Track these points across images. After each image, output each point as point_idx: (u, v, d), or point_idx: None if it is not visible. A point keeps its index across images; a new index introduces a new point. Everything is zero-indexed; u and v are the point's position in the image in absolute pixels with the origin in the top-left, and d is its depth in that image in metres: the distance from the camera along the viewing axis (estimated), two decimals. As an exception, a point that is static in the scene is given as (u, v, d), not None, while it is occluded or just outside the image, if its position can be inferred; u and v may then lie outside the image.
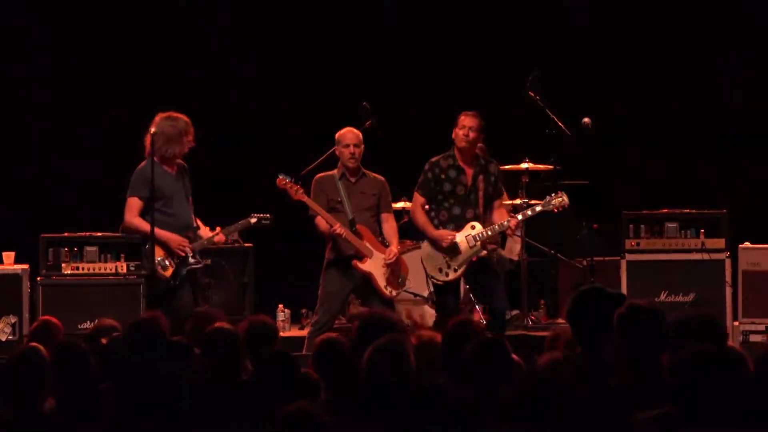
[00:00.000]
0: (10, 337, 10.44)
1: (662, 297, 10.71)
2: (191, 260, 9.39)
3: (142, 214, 9.38)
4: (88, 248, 10.80)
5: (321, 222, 9.69)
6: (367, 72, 12.46)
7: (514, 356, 5.99)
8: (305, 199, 9.69)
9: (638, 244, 10.94)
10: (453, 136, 9.57)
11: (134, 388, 5.27)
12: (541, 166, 11.41)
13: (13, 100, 12.51)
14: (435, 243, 9.61)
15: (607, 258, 11.30)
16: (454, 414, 4.93)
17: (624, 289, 10.72)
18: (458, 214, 9.53)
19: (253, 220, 9.69)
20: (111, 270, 10.77)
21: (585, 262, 11.42)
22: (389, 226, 9.92)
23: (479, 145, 11.26)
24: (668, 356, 5.16)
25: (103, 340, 7.24)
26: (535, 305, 11.70)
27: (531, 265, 11.60)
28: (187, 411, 5.11)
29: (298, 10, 12.91)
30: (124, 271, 10.76)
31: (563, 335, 6.56)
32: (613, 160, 12.19)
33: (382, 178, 9.94)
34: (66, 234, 10.87)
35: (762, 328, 10.51)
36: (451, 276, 9.57)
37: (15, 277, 10.64)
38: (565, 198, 9.59)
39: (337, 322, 10.35)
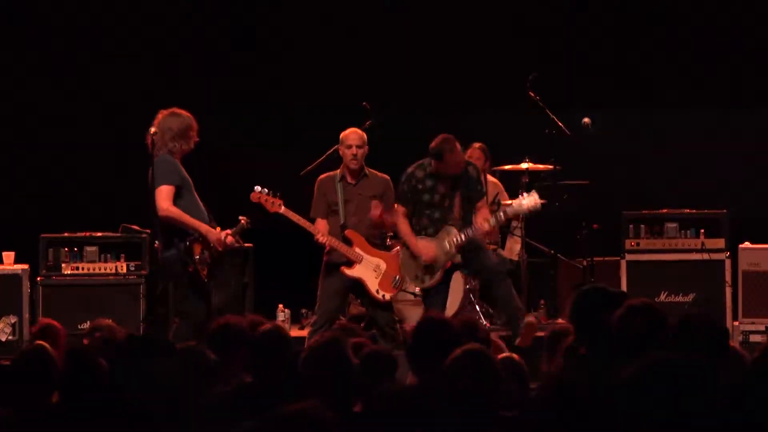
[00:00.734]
0: (10, 337, 10.45)
1: (662, 297, 10.71)
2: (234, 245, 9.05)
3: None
4: (88, 248, 10.82)
5: (318, 236, 9.64)
6: (367, 72, 12.46)
7: (515, 356, 5.99)
8: (282, 211, 9.51)
9: (638, 244, 10.95)
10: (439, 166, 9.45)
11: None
12: (541, 166, 11.41)
13: (13, 100, 12.51)
14: (409, 252, 9.54)
15: (607, 258, 11.31)
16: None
17: (624, 289, 10.72)
18: (438, 218, 9.47)
19: (243, 221, 9.38)
20: (111, 270, 10.79)
21: (585, 262, 11.43)
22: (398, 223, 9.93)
23: (478, 144, 11.30)
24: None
25: (85, 341, 7.27)
26: (535, 305, 11.70)
27: (531, 265, 11.60)
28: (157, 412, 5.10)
29: (298, 10, 12.92)
30: (124, 271, 10.77)
31: (563, 334, 6.56)
32: (613, 160, 12.18)
33: (386, 176, 9.88)
34: (66, 234, 10.89)
35: (762, 328, 10.52)
36: (428, 282, 9.48)
37: (15, 277, 10.66)
38: (536, 196, 9.48)
39: (336, 322, 10.34)
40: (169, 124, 8.88)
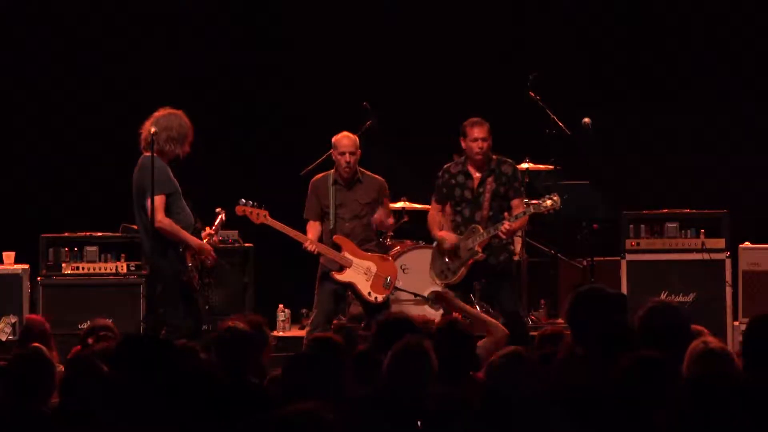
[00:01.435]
0: (10, 337, 10.44)
1: (662, 297, 10.69)
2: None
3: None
4: (88, 248, 10.81)
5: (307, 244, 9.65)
6: (367, 72, 12.45)
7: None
8: (269, 222, 9.54)
9: (638, 244, 10.95)
10: (464, 147, 9.48)
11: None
12: (541, 166, 11.41)
13: (13, 99, 12.50)
14: (439, 245, 9.60)
15: (607, 258, 11.30)
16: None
17: (624, 289, 10.73)
18: (468, 217, 9.51)
19: (222, 214, 9.30)
20: (111, 270, 10.79)
21: (585, 262, 11.42)
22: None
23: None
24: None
25: (89, 340, 7.27)
26: (535, 305, 11.70)
27: (531, 265, 11.60)
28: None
29: (299, 9, 12.92)
30: (124, 271, 10.77)
31: (555, 334, 6.58)
32: (613, 160, 12.17)
33: (380, 179, 9.87)
34: (66, 234, 10.89)
35: (762, 328, 10.50)
36: (452, 279, 9.53)
37: (15, 277, 10.65)
38: (556, 197, 9.51)
39: (335, 322, 10.34)
40: (170, 124, 8.75)
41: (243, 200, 9.57)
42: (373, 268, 9.76)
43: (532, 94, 11.06)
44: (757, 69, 12.43)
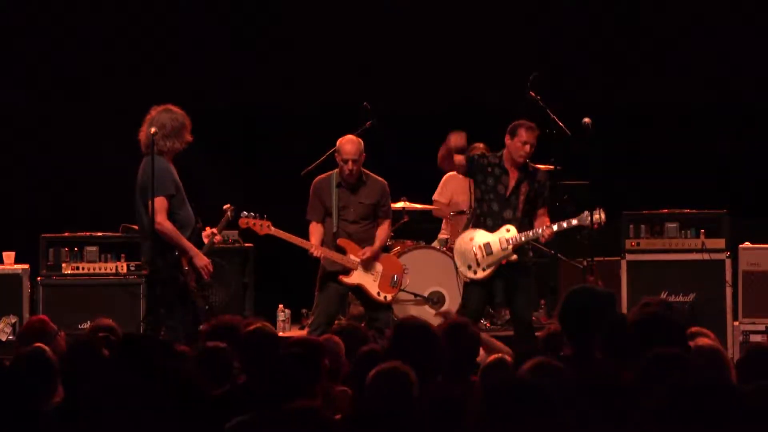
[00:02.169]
0: (11, 337, 10.45)
1: (662, 297, 10.69)
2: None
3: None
4: (88, 248, 10.82)
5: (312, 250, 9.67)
6: (368, 72, 12.45)
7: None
8: (273, 232, 9.61)
9: (638, 244, 10.95)
10: (507, 143, 9.43)
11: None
12: (542, 166, 11.39)
13: (13, 99, 12.50)
14: (467, 241, 9.49)
15: (607, 258, 11.29)
16: None
17: (624, 289, 10.74)
18: (497, 211, 9.44)
19: (229, 211, 9.31)
20: (111, 270, 10.79)
21: (585, 262, 11.41)
22: (381, 230, 9.90)
23: (480, 144, 11.29)
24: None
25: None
26: (535, 305, 11.68)
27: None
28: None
29: (298, 9, 12.92)
30: (124, 271, 10.77)
31: (559, 335, 6.56)
32: (613, 160, 12.17)
33: (383, 181, 9.90)
34: (66, 234, 10.89)
35: (762, 328, 10.51)
36: (479, 275, 9.45)
37: (15, 277, 10.66)
38: (603, 215, 9.52)
39: (336, 322, 10.34)
40: (162, 121, 8.70)
41: (245, 213, 9.60)
42: (380, 268, 9.83)
43: (532, 94, 11.05)
44: (758, 68, 12.43)
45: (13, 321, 10.52)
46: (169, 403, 4.80)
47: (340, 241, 9.69)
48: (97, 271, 10.78)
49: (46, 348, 5.83)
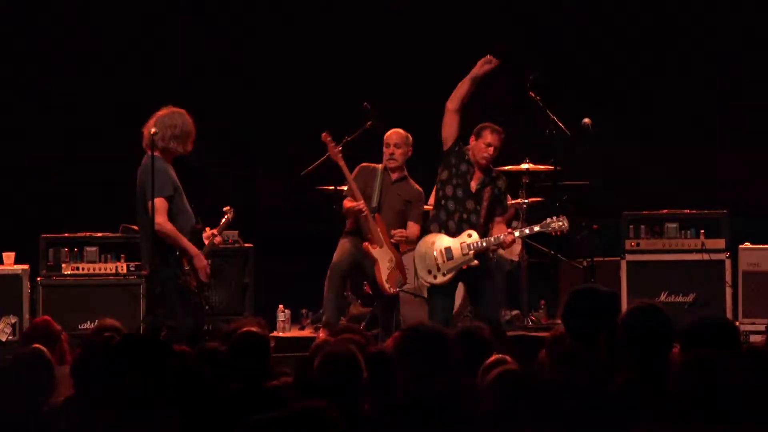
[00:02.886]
0: (10, 338, 10.45)
1: (662, 297, 10.71)
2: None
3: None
4: (88, 248, 10.83)
5: (347, 202, 9.97)
6: (367, 72, 12.45)
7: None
8: (339, 161, 9.92)
9: (638, 244, 10.96)
10: (472, 144, 9.35)
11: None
12: (541, 166, 11.41)
13: (12, 99, 12.50)
14: (429, 244, 9.43)
15: (607, 258, 11.30)
16: None
17: (624, 289, 10.74)
18: (460, 197, 9.37)
19: (229, 213, 9.29)
20: (111, 270, 10.80)
21: (585, 262, 11.42)
22: (412, 226, 10.10)
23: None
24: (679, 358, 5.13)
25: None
26: (535, 305, 11.69)
27: (531, 266, 11.59)
28: None
29: (298, 9, 12.92)
30: (124, 271, 10.78)
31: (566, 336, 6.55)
32: (614, 160, 12.17)
33: (420, 189, 10.18)
34: (66, 234, 10.90)
35: (762, 328, 10.51)
36: (439, 279, 9.37)
37: (15, 278, 10.67)
38: (566, 223, 9.46)
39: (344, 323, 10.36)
40: (173, 122, 8.72)
41: (328, 131, 9.93)
42: (395, 261, 10.05)
43: (532, 94, 11.05)
44: (757, 68, 12.43)
45: (13, 321, 10.52)
46: (171, 403, 4.81)
47: (378, 216, 9.98)
48: (97, 271, 10.78)
49: (44, 349, 5.83)
